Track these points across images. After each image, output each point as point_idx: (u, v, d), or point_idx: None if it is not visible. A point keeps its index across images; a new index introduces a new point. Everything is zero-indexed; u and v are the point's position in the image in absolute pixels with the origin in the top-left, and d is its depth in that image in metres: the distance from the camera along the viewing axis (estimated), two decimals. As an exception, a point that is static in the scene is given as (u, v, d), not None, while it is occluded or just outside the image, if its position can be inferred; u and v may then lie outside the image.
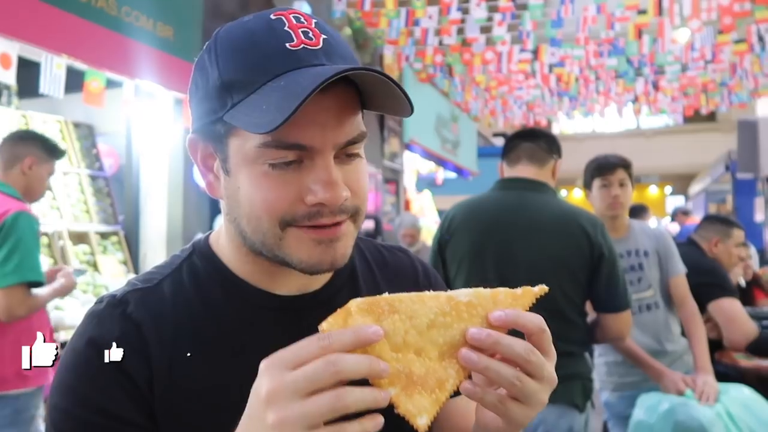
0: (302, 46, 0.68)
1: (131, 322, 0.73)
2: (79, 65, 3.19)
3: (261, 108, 0.65)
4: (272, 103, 0.64)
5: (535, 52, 6.48)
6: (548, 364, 0.64)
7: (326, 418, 0.54)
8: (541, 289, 0.65)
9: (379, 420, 0.56)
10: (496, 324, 0.62)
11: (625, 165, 2.55)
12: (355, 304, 0.61)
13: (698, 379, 2.31)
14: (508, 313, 0.63)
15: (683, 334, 2.58)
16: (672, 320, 2.58)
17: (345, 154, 0.71)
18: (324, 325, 0.59)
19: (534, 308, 2.22)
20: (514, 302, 0.64)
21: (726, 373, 2.67)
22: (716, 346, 2.77)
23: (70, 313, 3.14)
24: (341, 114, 0.69)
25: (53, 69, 3.00)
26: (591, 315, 2.17)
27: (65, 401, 0.70)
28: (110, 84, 3.34)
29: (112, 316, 0.73)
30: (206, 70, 0.72)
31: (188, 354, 0.73)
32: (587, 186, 2.63)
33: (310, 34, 0.70)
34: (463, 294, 0.63)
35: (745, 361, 2.81)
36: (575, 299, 2.01)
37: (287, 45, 0.68)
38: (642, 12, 5.37)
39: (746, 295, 3.62)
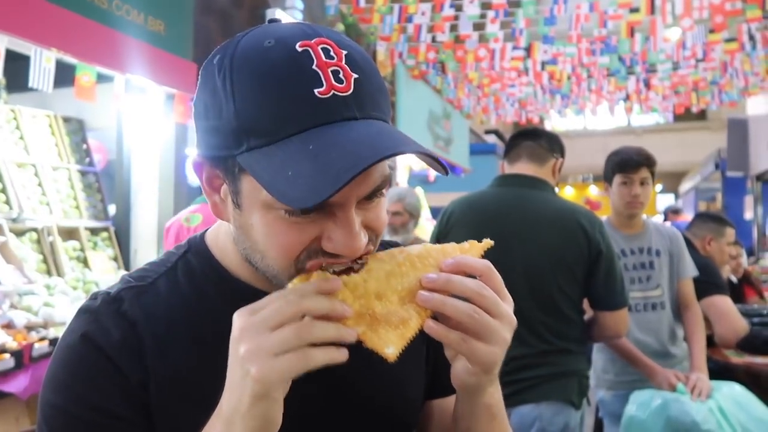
0: (332, 92, 0.62)
1: (126, 320, 0.72)
2: (68, 59, 3.15)
3: (286, 174, 0.59)
4: (300, 175, 0.59)
5: (528, 50, 6.48)
6: (503, 303, 0.67)
7: (292, 346, 0.58)
8: (486, 243, 0.71)
9: (345, 351, 0.60)
10: (447, 270, 0.67)
11: (649, 164, 2.46)
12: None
13: (692, 375, 2.33)
14: (456, 259, 0.68)
15: (685, 339, 2.58)
16: (677, 323, 2.58)
17: (367, 197, 0.68)
18: (289, 285, 0.64)
19: (532, 305, 2.24)
20: (462, 253, 0.70)
21: (717, 370, 2.69)
22: (707, 342, 2.79)
23: (60, 311, 3.10)
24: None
25: (42, 63, 2.96)
26: (588, 313, 2.17)
27: (58, 398, 0.69)
28: (100, 78, 3.30)
29: (107, 313, 0.72)
30: (219, 98, 0.64)
31: (183, 353, 0.72)
32: (607, 179, 2.55)
33: (341, 75, 0.63)
34: (415, 248, 0.70)
35: (736, 358, 2.83)
36: (572, 296, 2.01)
37: (316, 92, 0.61)
38: (634, 10, 5.37)
39: (737, 293, 3.65)
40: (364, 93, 0.65)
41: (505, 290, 0.69)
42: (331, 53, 0.64)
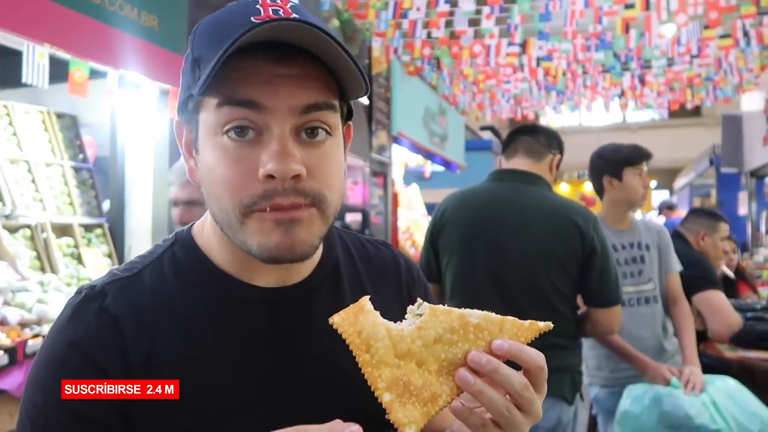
0: (267, 20, 0.67)
1: (108, 316, 0.71)
2: (61, 54, 3.13)
3: (209, 68, 0.65)
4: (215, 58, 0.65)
5: (523, 46, 6.47)
6: (538, 401, 0.65)
7: None
8: (547, 325, 0.68)
9: None
10: (498, 353, 0.64)
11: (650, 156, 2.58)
12: (369, 301, 0.63)
13: (685, 369, 2.33)
14: (511, 344, 0.64)
15: (675, 334, 2.59)
16: (667, 318, 2.60)
17: (308, 129, 0.69)
18: (335, 318, 0.61)
19: (524, 301, 2.23)
20: (519, 332, 0.66)
21: (710, 365, 2.70)
22: (701, 337, 2.80)
23: (53, 307, 3.09)
24: (302, 79, 0.68)
25: (35, 58, 2.94)
26: (582, 309, 2.17)
27: (38, 398, 0.69)
28: (94, 74, 3.28)
29: (89, 310, 0.71)
30: (187, 55, 0.74)
31: (167, 344, 0.72)
32: (614, 174, 2.55)
33: (280, 12, 0.68)
34: (474, 315, 0.65)
35: (730, 353, 2.84)
36: (565, 292, 2.01)
37: (252, 18, 0.67)
38: (629, 6, 5.38)
39: (731, 288, 3.66)
40: None
41: (545, 385, 0.67)
42: (278, 1, 0.70)
